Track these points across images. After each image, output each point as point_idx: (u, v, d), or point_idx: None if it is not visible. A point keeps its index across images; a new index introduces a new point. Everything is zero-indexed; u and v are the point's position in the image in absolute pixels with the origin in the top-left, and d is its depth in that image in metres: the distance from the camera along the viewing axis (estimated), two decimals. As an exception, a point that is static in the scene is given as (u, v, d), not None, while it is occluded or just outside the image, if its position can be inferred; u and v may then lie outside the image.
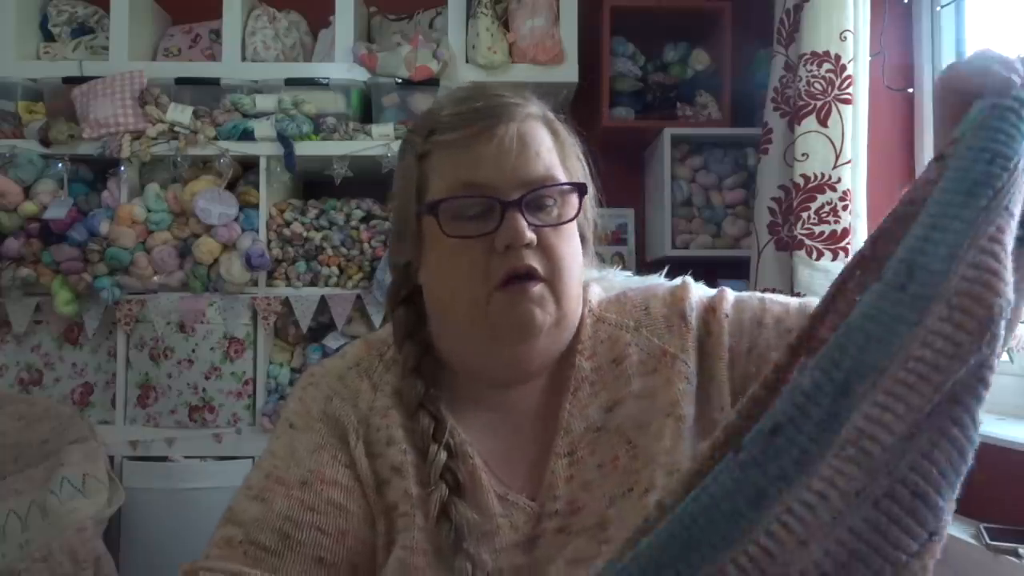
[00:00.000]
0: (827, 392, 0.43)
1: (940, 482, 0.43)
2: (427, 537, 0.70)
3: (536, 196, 0.72)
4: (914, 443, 0.42)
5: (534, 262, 0.71)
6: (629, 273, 0.90)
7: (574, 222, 0.75)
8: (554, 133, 0.77)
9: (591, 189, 0.79)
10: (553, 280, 0.72)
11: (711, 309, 0.79)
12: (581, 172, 0.79)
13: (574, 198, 0.75)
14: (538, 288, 0.71)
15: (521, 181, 0.71)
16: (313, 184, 2.35)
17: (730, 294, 0.81)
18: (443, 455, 0.72)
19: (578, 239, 0.77)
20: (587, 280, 0.83)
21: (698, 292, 0.82)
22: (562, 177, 0.74)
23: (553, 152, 0.75)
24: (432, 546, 0.70)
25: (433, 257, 0.75)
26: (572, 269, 0.74)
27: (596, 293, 0.83)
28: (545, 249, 0.72)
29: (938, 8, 1.99)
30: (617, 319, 0.80)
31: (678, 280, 0.84)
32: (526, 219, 0.70)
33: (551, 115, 0.79)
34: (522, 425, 0.77)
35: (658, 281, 0.87)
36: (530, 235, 0.70)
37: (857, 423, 0.41)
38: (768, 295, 0.82)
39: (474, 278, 0.71)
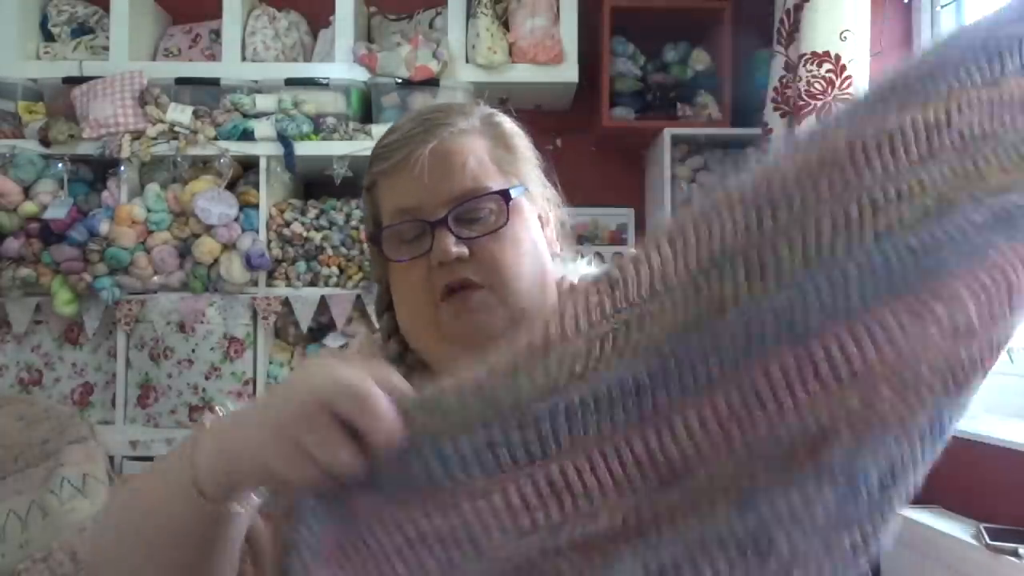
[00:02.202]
0: None
1: None
2: None
3: (463, 210, 0.74)
4: None
5: (469, 273, 0.73)
6: (592, 266, 0.91)
7: (524, 222, 0.77)
8: (496, 139, 0.79)
9: (537, 186, 0.80)
10: (496, 285, 0.74)
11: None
12: (537, 174, 0.81)
13: (521, 202, 0.77)
14: (479, 295, 0.73)
15: (444, 199, 0.74)
16: (313, 184, 2.35)
17: None
18: None
19: (532, 237, 0.77)
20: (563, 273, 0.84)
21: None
22: (495, 184, 0.75)
23: (486, 161, 0.76)
24: None
25: (392, 278, 0.79)
26: (519, 270, 0.75)
27: (574, 277, 0.83)
28: (483, 258, 0.73)
29: (938, 8, 1.99)
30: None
31: None
32: (455, 234, 0.73)
33: (498, 119, 0.81)
34: None
35: None
36: (456, 250, 0.72)
37: None
38: None
39: (420, 296, 0.74)
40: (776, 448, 0.42)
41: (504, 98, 2.31)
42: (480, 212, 0.75)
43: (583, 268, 0.88)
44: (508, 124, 0.81)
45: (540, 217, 0.81)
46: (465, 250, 0.73)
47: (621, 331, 0.45)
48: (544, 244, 0.79)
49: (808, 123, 1.82)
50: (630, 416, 0.44)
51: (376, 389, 0.49)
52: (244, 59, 2.24)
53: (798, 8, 1.86)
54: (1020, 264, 0.44)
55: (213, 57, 2.30)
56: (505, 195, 0.75)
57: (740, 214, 0.46)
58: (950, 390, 0.44)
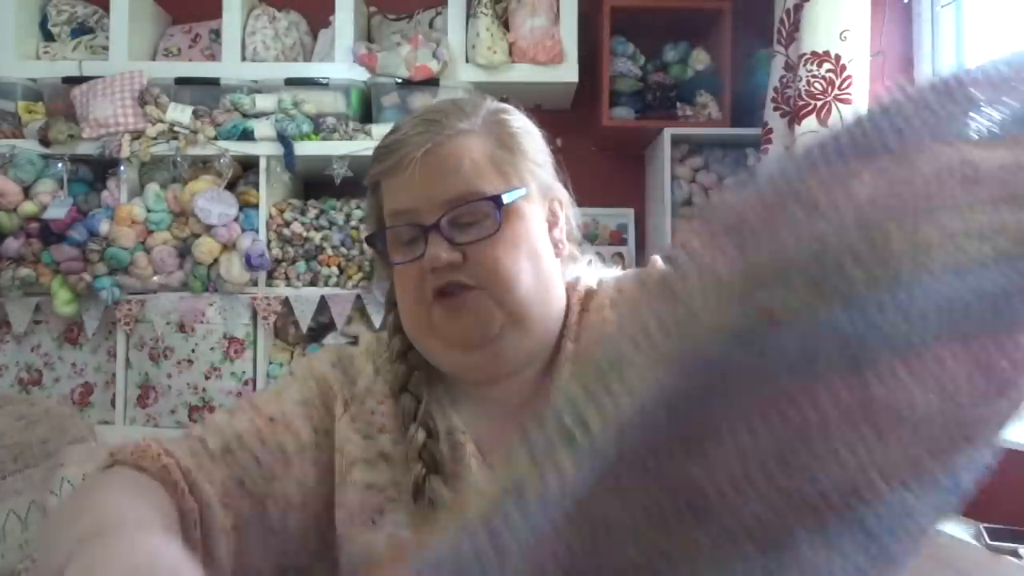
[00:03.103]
0: None
1: None
2: (413, 518, 0.73)
3: (456, 215, 0.73)
4: None
5: (462, 277, 0.73)
6: (602, 266, 0.91)
7: (523, 224, 0.75)
8: (499, 139, 0.77)
9: (544, 186, 0.79)
10: (492, 287, 0.73)
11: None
12: (545, 174, 0.80)
13: (519, 205, 0.75)
14: (472, 295, 0.73)
15: (438, 203, 0.73)
16: (313, 184, 2.35)
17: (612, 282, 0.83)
18: (421, 434, 0.75)
19: (531, 239, 0.76)
20: (575, 275, 0.84)
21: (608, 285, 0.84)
22: (491, 188, 0.74)
23: (484, 163, 0.75)
24: (416, 525, 0.73)
25: (392, 280, 0.80)
26: (516, 272, 0.73)
27: (592, 279, 0.84)
28: (477, 261, 0.73)
29: (938, 8, 1.99)
30: (606, 298, 0.81)
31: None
32: (448, 239, 0.72)
33: (504, 117, 0.80)
34: (518, 410, 0.78)
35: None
36: (448, 256, 0.72)
37: None
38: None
39: (414, 298, 0.75)
40: (811, 488, 0.39)
41: (504, 98, 2.31)
42: (475, 216, 0.74)
43: (600, 270, 0.87)
44: (516, 122, 0.80)
45: (548, 219, 0.80)
46: (458, 255, 0.73)
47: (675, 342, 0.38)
48: (547, 245, 0.78)
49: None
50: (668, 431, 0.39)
51: None
52: (244, 59, 2.24)
53: (798, 8, 1.86)
54: None
55: (213, 57, 2.30)
56: (497, 200, 0.74)
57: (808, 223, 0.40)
58: (980, 448, 0.41)
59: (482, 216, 0.74)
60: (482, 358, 0.75)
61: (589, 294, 0.83)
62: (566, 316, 0.80)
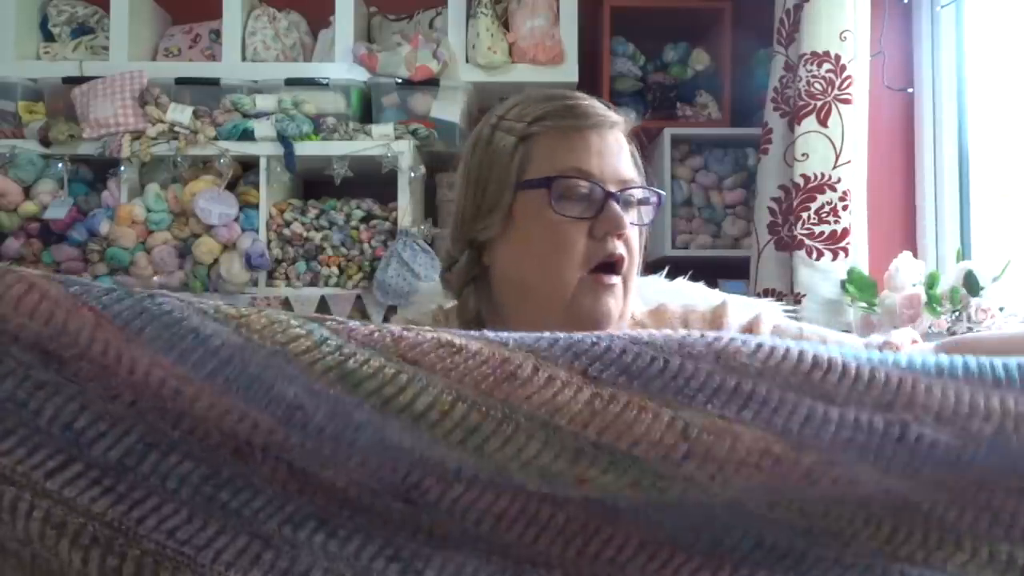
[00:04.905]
0: None
1: None
2: None
3: (628, 194, 0.79)
4: None
5: (622, 252, 0.77)
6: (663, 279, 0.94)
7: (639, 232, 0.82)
8: (636, 147, 0.85)
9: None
10: (626, 275, 0.78)
11: (747, 331, 0.81)
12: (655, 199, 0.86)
13: (650, 207, 0.83)
14: (616, 280, 0.77)
15: (619, 178, 0.79)
16: (313, 184, 2.35)
17: (768, 318, 0.83)
18: None
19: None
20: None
21: (737, 312, 0.84)
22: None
23: (634, 162, 0.83)
24: None
25: (524, 234, 0.78)
26: (637, 270, 0.81)
27: (635, 303, 0.87)
28: (627, 243, 0.78)
29: (938, 8, 1.99)
30: (653, 324, 0.84)
31: (718, 299, 0.86)
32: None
33: (630, 135, 0.86)
34: None
35: (700, 293, 0.91)
36: (627, 225, 0.77)
37: None
38: (809, 326, 0.85)
39: (569, 259, 0.76)
40: None
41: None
42: (634, 203, 0.80)
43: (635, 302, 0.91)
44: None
45: None
46: (628, 229, 0.77)
47: None
48: None
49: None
50: None
51: None
52: (244, 59, 2.24)
53: (798, 8, 1.86)
54: None
55: (213, 57, 2.30)
56: (660, 196, 0.82)
57: None
58: None
59: (634, 205, 0.80)
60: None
61: (640, 314, 0.86)
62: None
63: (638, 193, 0.80)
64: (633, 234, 0.79)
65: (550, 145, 0.78)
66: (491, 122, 0.84)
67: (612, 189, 0.77)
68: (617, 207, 0.76)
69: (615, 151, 0.79)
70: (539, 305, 0.77)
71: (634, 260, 0.79)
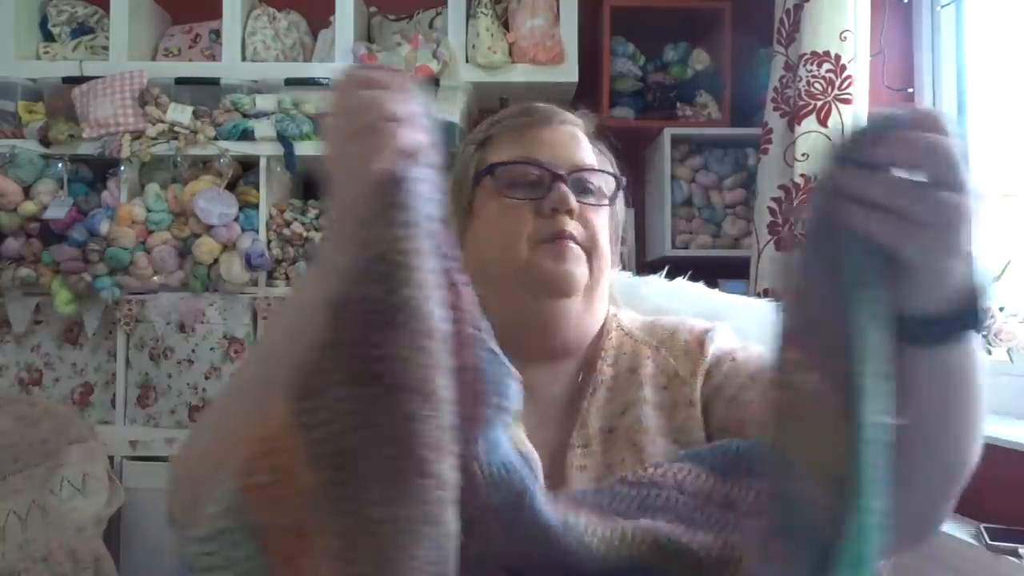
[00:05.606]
0: None
1: None
2: None
3: (581, 176, 0.82)
4: None
5: (574, 230, 0.79)
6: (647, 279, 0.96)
7: (614, 216, 0.86)
8: (597, 147, 0.88)
9: (622, 193, 0.88)
10: (589, 248, 0.80)
11: (731, 349, 0.83)
12: (614, 184, 0.88)
13: (619, 196, 0.86)
14: (576, 248, 0.79)
15: (570, 163, 0.82)
16: (313, 184, 2.35)
17: (756, 345, 0.84)
18: None
19: (614, 232, 0.87)
20: (613, 288, 0.90)
21: (727, 332, 0.86)
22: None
23: (597, 151, 0.86)
24: None
25: (482, 219, 0.83)
26: (605, 248, 0.82)
27: (629, 315, 0.90)
28: (584, 222, 0.80)
29: (938, 8, 1.99)
30: (642, 337, 0.86)
31: (709, 324, 0.88)
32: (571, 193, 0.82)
33: (595, 132, 0.89)
34: (547, 414, 0.82)
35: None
36: (574, 203, 0.79)
37: None
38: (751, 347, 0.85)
39: (519, 235, 0.79)
40: None
41: (504, 98, 2.31)
42: (589, 186, 0.83)
43: (629, 313, 0.93)
44: (603, 142, 0.91)
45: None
46: (577, 206, 0.80)
47: None
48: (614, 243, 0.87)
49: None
50: None
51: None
52: (244, 59, 2.24)
53: (798, 8, 1.86)
54: None
55: (213, 57, 2.30)
56: (618, 179, 0.85)
57: None
58: None
59: (593, 190, 0.83)
60: (557, 312, 0.80)
61: (630, 324, 0.88)
62: (599, 336, 0.85)
63: (594, 178, 0.83)
64: (595, 217, 0.81)
65: (503, 142, 0.84)
66: (464, 142, 0.91)
67: (564, 172, 0.80)
68: (564, 187, 0.79)
69: (566, 141, 0.83)
70: (502, 278, 0.79)
71: (598, 240, 0.81)
